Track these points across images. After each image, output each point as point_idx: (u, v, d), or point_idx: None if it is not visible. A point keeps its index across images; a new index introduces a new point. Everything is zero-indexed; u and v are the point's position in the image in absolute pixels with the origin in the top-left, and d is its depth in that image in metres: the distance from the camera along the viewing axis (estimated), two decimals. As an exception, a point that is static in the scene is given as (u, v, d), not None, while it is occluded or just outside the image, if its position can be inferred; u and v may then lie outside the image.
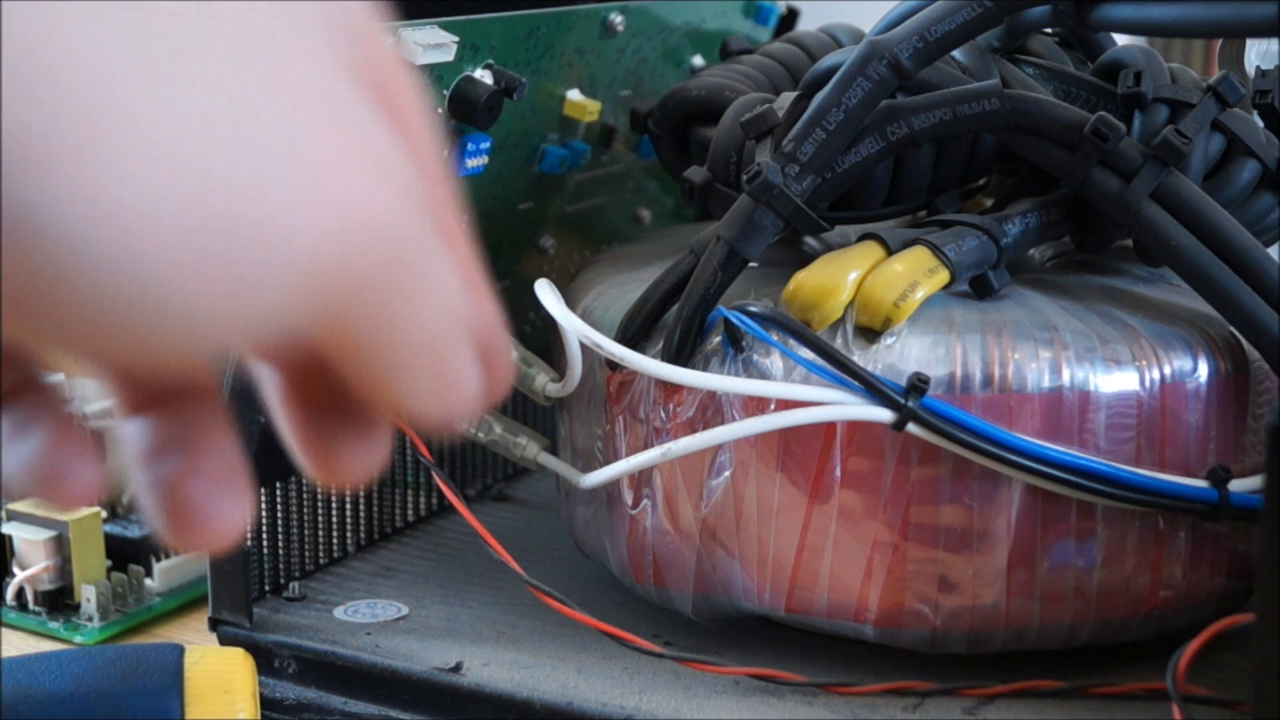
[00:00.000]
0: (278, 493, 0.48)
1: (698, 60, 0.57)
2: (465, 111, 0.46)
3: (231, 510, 0.25)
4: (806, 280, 0.41)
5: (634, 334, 0.43)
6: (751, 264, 0.42)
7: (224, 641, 0.45)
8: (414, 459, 0.53)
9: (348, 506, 0.51)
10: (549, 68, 0.50)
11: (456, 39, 0.45)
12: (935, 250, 0.41)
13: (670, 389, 0.42)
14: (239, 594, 0.45)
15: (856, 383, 0.39)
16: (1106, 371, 0.40)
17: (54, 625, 0.49)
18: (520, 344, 0.47)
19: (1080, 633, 0.41)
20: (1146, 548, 0.41)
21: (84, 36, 0.19)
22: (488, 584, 0.48)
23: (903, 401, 0.39)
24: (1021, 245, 0.42)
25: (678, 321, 0.42)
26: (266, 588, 0.48)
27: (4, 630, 0.50)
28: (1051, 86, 0.45)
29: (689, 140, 0.51)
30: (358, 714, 0.43)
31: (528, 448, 0.47)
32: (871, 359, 0.40)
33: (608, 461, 0.44)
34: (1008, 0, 0.41)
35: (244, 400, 0.45)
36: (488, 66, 0.47)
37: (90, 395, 0.58)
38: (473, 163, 0.48)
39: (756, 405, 0.41)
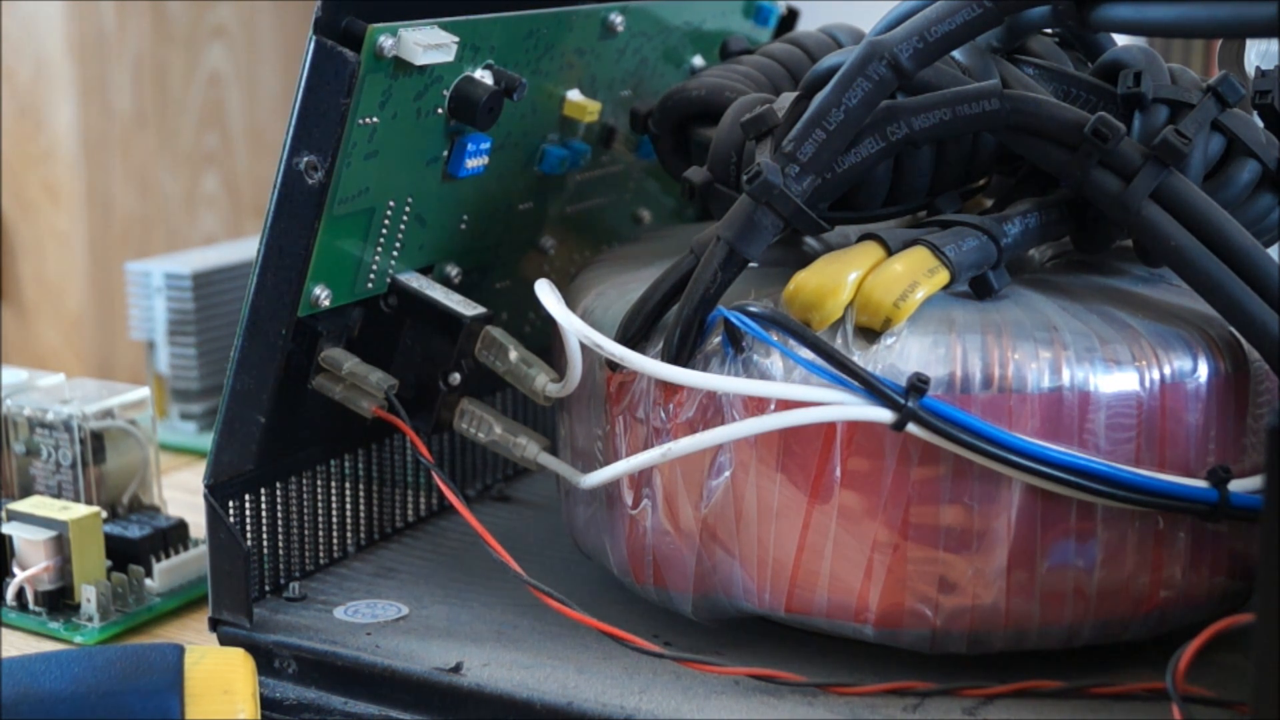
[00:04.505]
0: (278, 493, 0.48)
1: (698, 60, 0.57)
2: (465, 111, 0.46)
3: None
4: (806, 280, 0.41)
5: (634, 334, 0.43)
6: (751, 264, 0.42)
7: (224, 641, 0.45)
8: (414, 459, 0.53)
9: (348, 506, 0.51)
10: (549, 68, 0.50)
11: (456, 39, 0.45)
12: (935, 250, 0.41)
13: (670, 389, 0.42)
14: (239, 594, 0.45)
15: (856, 383, 0.39)
16: (1106, 371, 0.40)
17: (54, 625, 0.49)
18: (520, 344, 0.47)
19: (1080, 633, 0.41)
20: (1146, 548, 0.41)
21: None
22: (488, 584, 0.48)
23: (903, 401, 0.39)
24: (1021, 245, 0.42)
25: (678, 322, 0.42)
26: (266, 588, 0.48)
27: (4, 630, 0.50)
28: (1051, 87, 0.45)
29: (689, 140, 0.51)
30: (358, 714, 0.43)
31: (528, 448, 0.47)
32: (871, 359, 0.40)
33: (608, 461, 0.44)
34: (1008, 0, 0.41)
35: (244, 400, 0.45)
36: (488, 66, 0.47)
37: (90, 395, 0.58)
38: (473, 163, 0.48)
39: (756, 405, 0.41)
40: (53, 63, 1.28)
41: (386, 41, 0.43)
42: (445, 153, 0.47)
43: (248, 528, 0.47)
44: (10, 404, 0.54)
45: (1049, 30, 0.47)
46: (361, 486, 0.51)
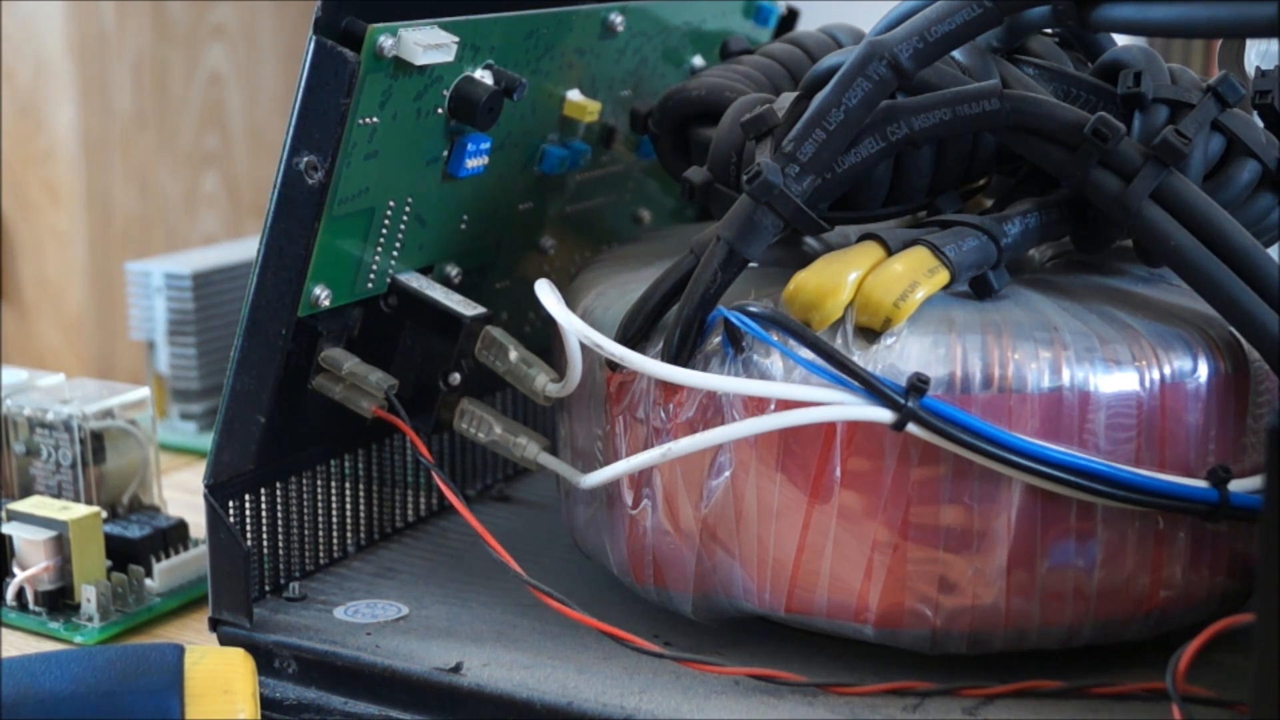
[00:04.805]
0: (278, 493, 0.48)
1: (698, 60, 0.57)
2: (465, 111, 0.46)
3: None
4: (806, 280, 0.41)
5: (634, 334, 0.43)
6: (751, 264, 0.42)
7: (224, 641, 0.45)
8: (414, 459, 0.53)
9: (348, 506, 0.51)
10: (549, 68, 0.50)
11: (456, 39, 0.45)
12: (935, 250, 0.41)
13: (670, 389, 0.42)
14: (239, 594, 0.45)
15: (856, 383, 0.39)
16: (1106, 371, 0.40)
17: (54, 625, 0.49)
18: (520, 344, 0.47)
19: (1080, 633, 0.41)
20: (1146, 548, 0.41)
21: None
22: (488, 584, 0.48)
23: (903, 401, 0.39)
24: (1021, 245, 0.42)
25: (678, 322, 0.42)
26: (266, 588, 0.48)
27: (4, 630, 0.50)
28: (1051, 86, 0.45)
29: (689, 140, 0.51)
30: (358, 714, 0.43)
31: (528, 448, 0.47)
32: (871, 359, 0.40)
33: (608, 461, 0.44)
34: (1008, 0, 0.41)
35: (244, 400, 0.45)
36: (488, 66, 0.47)
37: (90, 395, 0.58)
38: (473, 163, 0.48)
39: (756, 405, 0.41)
40: (53, 63, 1.28)
41: (386, 41, 0.43)
42: (445, 153, 0.47)
43: (248, 528, 0.47)
44: (10, 404, 0.54)
45: (1049, 30, 0.47)
46: (361, 486, 0.51)
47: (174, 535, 0.53)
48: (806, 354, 0.40)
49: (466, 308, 0.47)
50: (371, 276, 0.47)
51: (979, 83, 0.42)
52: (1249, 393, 0.41)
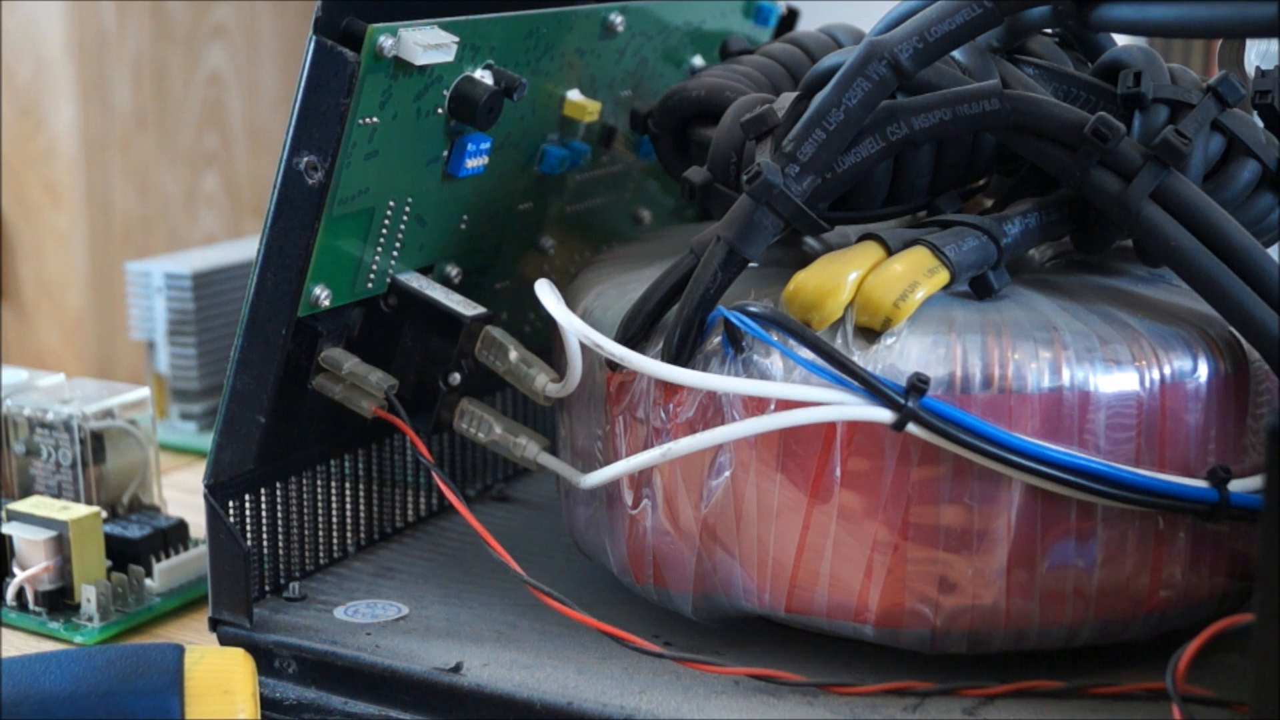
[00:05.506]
0: (278, 493, 0.48)
1: (698, 60, 0.57)
2: (465, 111, 0.46)
3: None
4: (806, 280, 0.41)
5: (634, 334, 0.43)
6: (751, 264, 0.42)
7: (224, 641, 0.45)
8: (414, 459, 0.53)
9: (348, 506, 0.51)
10: (549, 68, 0.50)
11: (456, 39, 0.45)
12: (935, 250, 0.41)
13: (670, 389, 0.42)
14: (239, 594, 0.45)
15: (856, 383, 0.39)
16: (1106, 371, 0.40)
17: (54, 625, 0.49)
18: (520, 344, 0.47)
19: (1080, 633, 0.41)
20: (1146, 548, 0.41)
21: None
22: (488, 584, 0.48)
23: (903, 401, 0.39)
24: (1021, 245, 0.42)
25: (678, 322, 0.42)
26: (266, 588, 0.48)
27: (4, 630, 0.50)
28: (1051, 87, 0.45)
29: (689, 140, 0.51)
30: (358, 714, 0.43)
31: (528, 448, 0.47)
32: (871, 359, 0.40)
33: (608, 461, 0.44)
34: (1008, 0, 0.41)
35: (244, 400, 0.45)
36: (488, 66, 0.47)
37: (90, 395, 0.58)
38: (473, 163, 0.48)
39: (756, 405, 0.41)
40: (53, 63, 1.28)
41: (386, 41, 0.43)
42: (445, 153, 0.47)
43: (248, 528, 0.47)
44: (10, 404, 0.54)
45: (1049, 30, 0.47)
46: (361, 486, 0.51)
47: (174, 535, 0.53)
48: (806, 354, 0.40)
49: (466, 308, 0.47)
50: (371, 276, 0.47)
51: (979, 83, 0.42)
52: (1249, 393, 0.41)
